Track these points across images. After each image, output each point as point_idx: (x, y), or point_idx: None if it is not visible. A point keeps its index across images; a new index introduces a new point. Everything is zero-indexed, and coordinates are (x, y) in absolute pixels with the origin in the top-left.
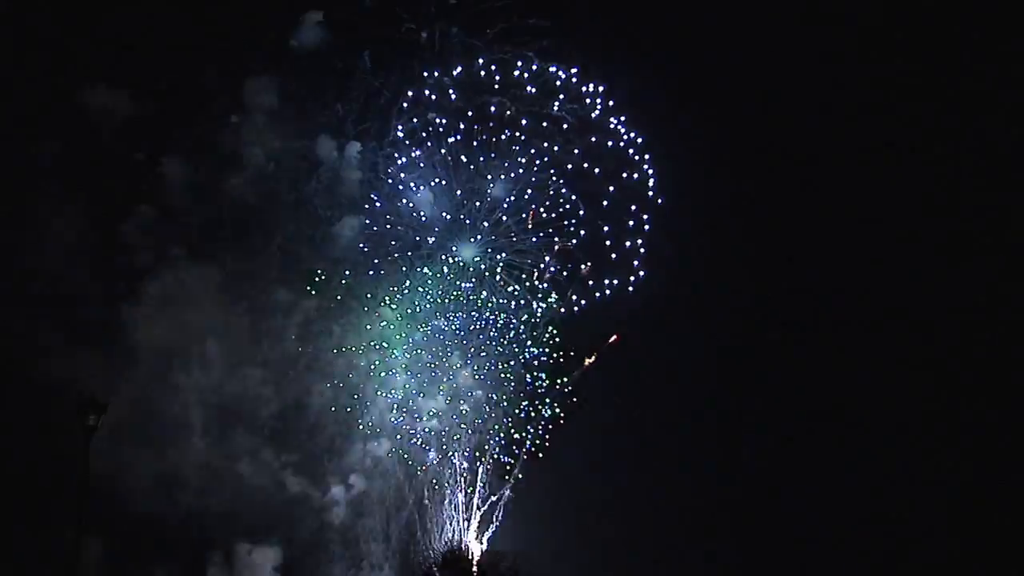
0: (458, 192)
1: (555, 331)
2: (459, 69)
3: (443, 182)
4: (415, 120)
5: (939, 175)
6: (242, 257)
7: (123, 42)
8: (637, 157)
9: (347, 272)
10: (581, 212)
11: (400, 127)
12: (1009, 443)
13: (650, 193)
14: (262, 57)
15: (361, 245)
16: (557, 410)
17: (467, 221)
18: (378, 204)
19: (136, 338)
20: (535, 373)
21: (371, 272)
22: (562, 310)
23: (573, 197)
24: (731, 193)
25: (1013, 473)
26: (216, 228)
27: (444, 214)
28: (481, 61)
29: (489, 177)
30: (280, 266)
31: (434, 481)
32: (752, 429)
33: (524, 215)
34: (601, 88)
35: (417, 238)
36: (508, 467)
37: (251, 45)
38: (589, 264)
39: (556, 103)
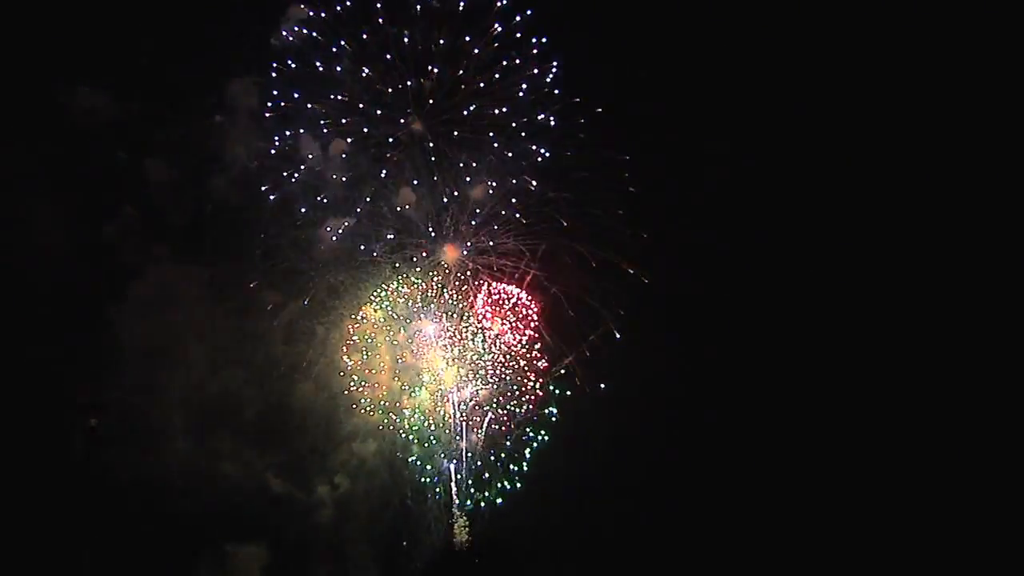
0: (449, 190)
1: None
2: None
3: (426, 183)
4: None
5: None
6: (226, 258)
7: (105, 43)
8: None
9: (331, 273)
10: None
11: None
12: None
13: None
14: (244, 56)
15: (345, 246)
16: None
17: (449, 223)
18: (361, 205)
19: (121, 339)
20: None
21: (355, 273)
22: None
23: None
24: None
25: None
26: (200, 229)
27: (427, 215)
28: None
29: (469, 179)
30: (264, 267)
31: (421, 480)
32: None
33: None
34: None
35: (394, 234)
36: (494, 465)
37: (233, 44)
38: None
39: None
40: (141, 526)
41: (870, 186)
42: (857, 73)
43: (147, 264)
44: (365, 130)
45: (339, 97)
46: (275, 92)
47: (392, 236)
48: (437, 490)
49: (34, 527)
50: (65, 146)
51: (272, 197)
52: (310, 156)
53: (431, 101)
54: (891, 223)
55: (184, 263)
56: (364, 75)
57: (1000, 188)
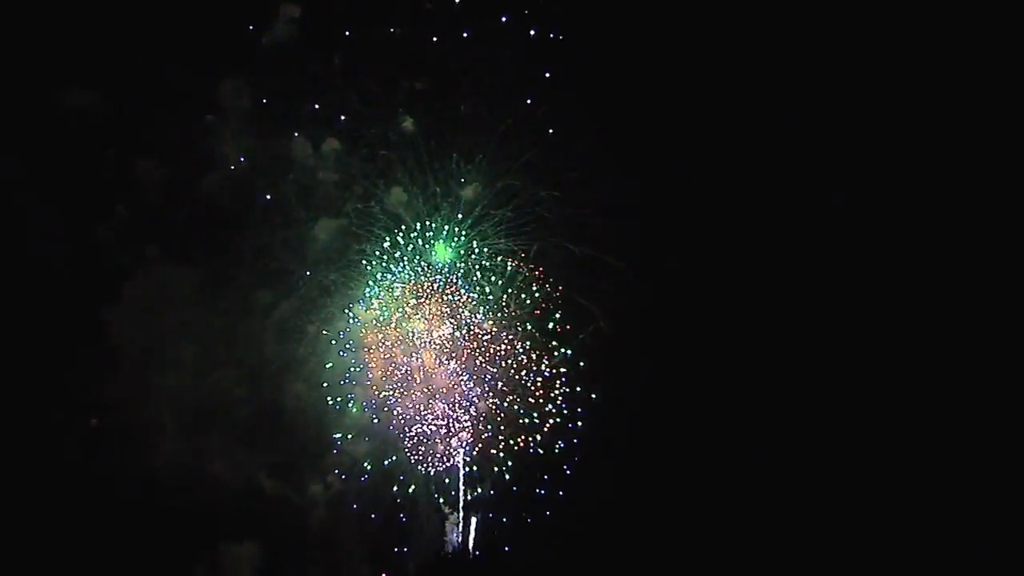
0: (440, 190)
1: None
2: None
3: (418, 183)
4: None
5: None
6: (218, 258)
7: (96, 42)
8: None
9: (322, 273)
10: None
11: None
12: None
13: None
14: (235, 55)
15: (336, 245)
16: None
17: (442, 223)
18: (353, 205)
19: (116, 339)
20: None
21: (346, 273)
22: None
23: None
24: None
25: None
26: (192, 229)
27: (418, 215)
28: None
29: (463, 180)
30: (256, 267)
31: (413, 481)
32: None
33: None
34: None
35: (385, 234)
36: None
37: (224, 43)
38: None
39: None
40: (137, 525)
41: (866, 184)
42: (853, 75)
43: (140, 264)
44: (357, 130)
45: (330, 96)
46: (266, 91)
47: (383, 236)
48: (429, 488)
49: (35, 528)
50: (58, 146)
51: (264, 197)
52: (301, 156)
53: (423, 101)
54: (892, 224)
55: (177, 263)
56: (356, 74)
57: (998, 190)
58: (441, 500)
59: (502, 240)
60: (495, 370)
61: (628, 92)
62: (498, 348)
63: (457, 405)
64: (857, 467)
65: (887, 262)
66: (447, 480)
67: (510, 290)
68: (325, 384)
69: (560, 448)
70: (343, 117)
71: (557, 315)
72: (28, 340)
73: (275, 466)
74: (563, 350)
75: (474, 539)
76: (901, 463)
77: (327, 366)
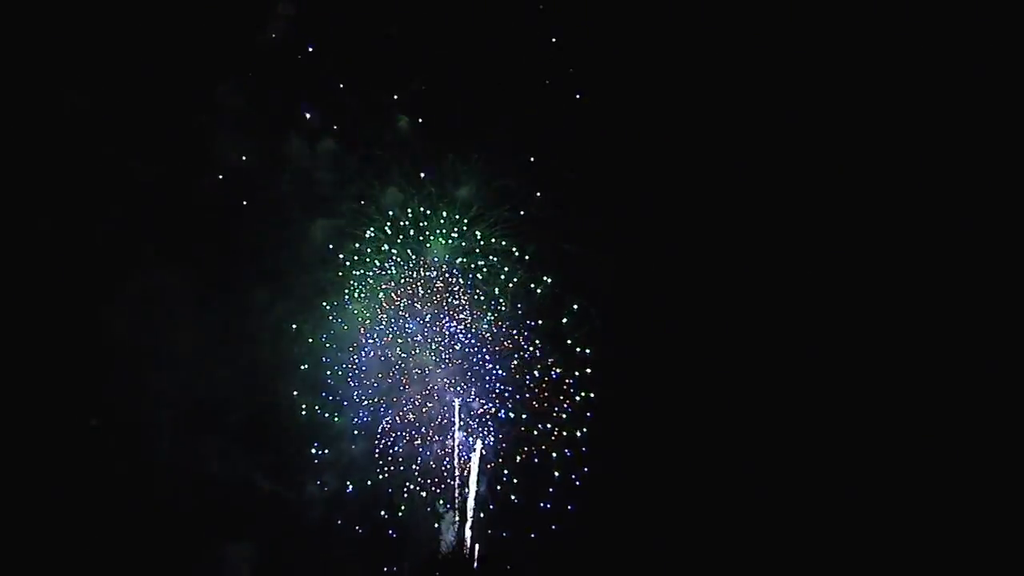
0: (436, 191)
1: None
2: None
3: (414, 183)
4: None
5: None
6: (215, 258)
7: (92, 41)
8: None
9: (318, 273)
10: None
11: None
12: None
13: None
14: (232, 55)
15: (332, 245)
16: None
17: (438, 221)
18: (348, 205)
19: (111, 339)
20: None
21: (341, 273)
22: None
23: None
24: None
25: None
26: (189, 229)
27: (414, 215)
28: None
29: (456, 180)
30: (253, 267)
31: (406, 485)
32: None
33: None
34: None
35: (381, 234)
36: (482, 463)
37: (221, 43)
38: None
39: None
40: (135, 525)
41: (864, 182)
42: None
43: (137, 265)
44: (353, 130)
45: (326, 96)
46: (263, 91)
47: (379, 236)
48: (425, 488)
49: (33, 528)
50: (54, 146)
51: (260, 197)
52: (297, 156)
53: (420, 101)
54: (891, 222)
55: (174, 263)
56: (352, 74)
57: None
58: (437, 501)
59: (498, 240)
60: (495, 371)
61: (626, 92)
62: (495, 348)
63: (455, 406)
64: (862, 468)
65: (888, 261)
66: (443, 481)
67: (506, 289)
68: (321, 385)
69: (563, 454)
70: (339, 116)
71: (555, 316)
72: (26, 340)
73: (272, 466)
74: (578, 349)
75: (470, 540)
76: (901, 463)
77: (303, 367)
